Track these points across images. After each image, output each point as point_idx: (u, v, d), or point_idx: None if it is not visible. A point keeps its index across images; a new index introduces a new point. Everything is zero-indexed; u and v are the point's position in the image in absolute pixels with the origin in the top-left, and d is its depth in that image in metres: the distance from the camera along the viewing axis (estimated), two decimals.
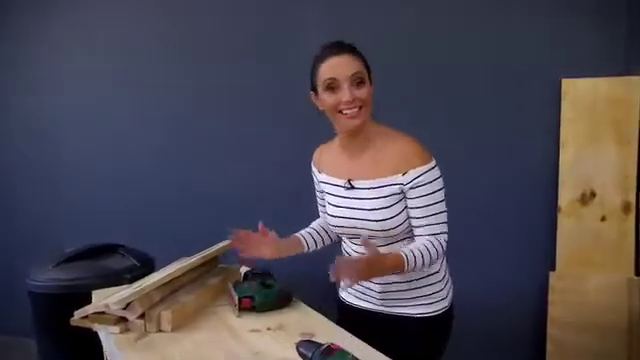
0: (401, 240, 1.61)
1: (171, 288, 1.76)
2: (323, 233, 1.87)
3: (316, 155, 1.81)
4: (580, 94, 2.42)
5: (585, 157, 2.42)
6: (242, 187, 2.91)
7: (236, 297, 1.71)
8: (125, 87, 3.04)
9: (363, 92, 1.53)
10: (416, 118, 2.56)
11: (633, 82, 2.34)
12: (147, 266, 2.23)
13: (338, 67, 1.52)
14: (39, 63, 3.14)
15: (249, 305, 1.71)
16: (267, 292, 1.75)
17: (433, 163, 1.55)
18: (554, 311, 2.45)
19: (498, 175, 2.58)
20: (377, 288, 1.67)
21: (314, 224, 1.91)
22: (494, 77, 2.56)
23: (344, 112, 1.54)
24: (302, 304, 1.80)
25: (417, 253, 1.51)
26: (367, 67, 1.57)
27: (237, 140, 2.93)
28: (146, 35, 2.97)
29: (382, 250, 1.56)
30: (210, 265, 2.00)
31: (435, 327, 1.67)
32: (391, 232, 1.58)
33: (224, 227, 1.78)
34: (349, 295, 1.81)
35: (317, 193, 1.86)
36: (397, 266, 1.49)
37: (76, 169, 3.12)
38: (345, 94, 1.51)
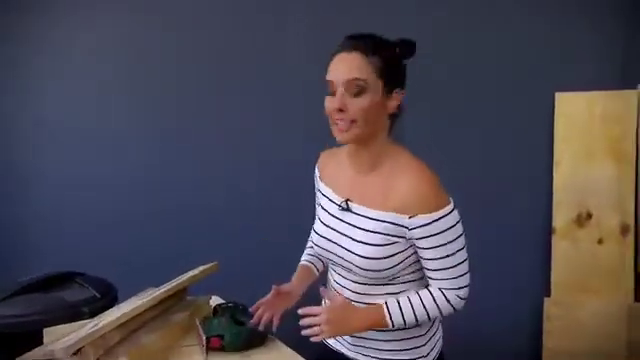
0: (383, 284, 1.39)
1: (131, 327, 1.56)
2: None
3: (323, 158, 1.58)
4: (574, 109, 2.32)
5: (580, 176, 2.32)
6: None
7: (203, 336, 1.54)
8: (108, 100, 2.84)
9: (357, 103, 1.27)
10: (403, 131, 2.43)
11: (630, 96, 2.24)
12: (108, 297, 2.01)
13: (338, 68, 1.29)
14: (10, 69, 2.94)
15: (218, 345, 1.54)
16: (238, 330, 1.58)
17: (449, 208, 1.29)
18: (549, 339, 2.33)
19: (488, 195, 2.46)
20: None
21: (309, 249, 1.70)
22: (482, 90, 2.44)
23: (336, 122, 1.31)
24: (278, 342, 1.63)
25: (407, 307, 1.34)
26: (386, 71, 1.29)
27: (220, 156, 2.76)
28: (129, 47, 2.80)
29: (359, 288, 1.40)
30: (177, 297, 1.81)
31: None
32: (374, 274, 1.35)
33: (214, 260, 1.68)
34: None
35: (316, 201, 1.62)
36: (377, 319, 1.34)
37: (56, 183, 2.90)
38: (335, 101, 1.29)
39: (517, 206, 2.43)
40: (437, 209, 1.27)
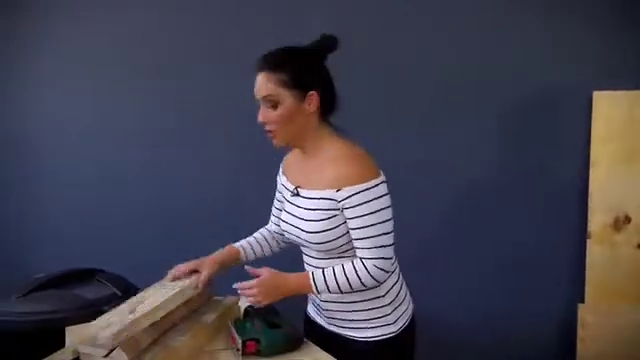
0: (337, 257, 1.55)
1: (161, 328, 1.49)
2: (264, 243, 1.83)
3: (288, 155, 1.77)
4: (613, 108, 2.24)
5: (618, 178, 2.24)
6: (225, 207, 2.68)
7: (239, 340, 1.47)
8: (106, 100, 2.77)
9: (272, 115, 1.51)
10: (434, 134, 2.37)
11: None
12: (128, 295, 1.91)
13: (257, 86, 1.52)
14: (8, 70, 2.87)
15: (254, 349, 1.49)
16: (275, 334, 1.52)
17: (374, 182, 1.47)
18: (583, 348, 2.25)
19: (522, 197, 2.40)
20: (322, 304, 1.64)
21: (257, 233, 1.87)
22: (518, 89, 2.38)
23: (264, 131, 1.56)
24: (314, 347, 1.58)
25: (330, 275, 1.51)
26: (291, 82, 1.49)
27: (227, 156, 2.69)
28: (118, 54, 2.72)
29: (322, 263, 1.57)
30: (203, 296, 1.73)
31: (381, 352, 1.61)
32: (326, 246, 1.53)
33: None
34: (311, 307, 1.77)
35: (276, 193, 1.82)
36: (304, 285, 1.53)
37: (55, 183, 2.83)
38: (259, 115, 1.54)
39: (552, 209, 2.36)
40: (360, 182, 1.45)
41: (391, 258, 1.52)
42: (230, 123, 2.62)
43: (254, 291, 1.50)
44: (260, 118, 1.53)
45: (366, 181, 1.45)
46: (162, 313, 1.46)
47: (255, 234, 1.86)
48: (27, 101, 2.83)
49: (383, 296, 1.58)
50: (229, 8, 2.59)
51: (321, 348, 1.54)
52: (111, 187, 2.77)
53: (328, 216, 1.49)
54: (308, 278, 1.52)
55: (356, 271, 1.49)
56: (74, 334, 1.48)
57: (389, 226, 1.49)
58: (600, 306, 2.23)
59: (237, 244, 1.79)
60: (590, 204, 2.26)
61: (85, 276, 1.99)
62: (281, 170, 1.77)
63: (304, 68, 1.51)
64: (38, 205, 2.86)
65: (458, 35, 2.40)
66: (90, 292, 1.89)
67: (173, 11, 2.63)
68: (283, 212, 1.66)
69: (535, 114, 2.35)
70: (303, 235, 1.55)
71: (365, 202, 1.45)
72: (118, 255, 2.57)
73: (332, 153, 1.53)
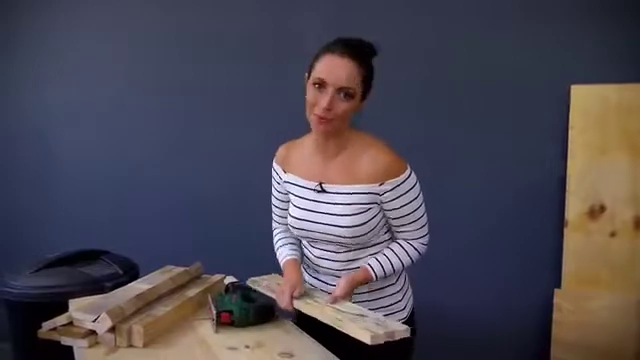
0: (363, 248, 1.58)
1: (147, 299, 1.66)
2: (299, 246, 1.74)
3: (282, 152, 1.70)
4: (590, 101, 2.31)
5: (594, 169, 2.31)
6: (240, 192, 2.83)
7: (214, 311, 1.62)
8: (123, 87, 2.95)
9: (343, 107, 1.44)
10: (417, 127, 2.47)
11: None
12: (130, 274, 2.13)
13: (333, 70, 1.41)
14: (31, 61, 3.05)
15: (228, 320, 1.62)
16: (247, 307, 1.65)
17: (408, 171, 1.51)
18: (558, 331, 2.33)
19: (501, 186, 2.48)
20: None
21: (286, 238, 1.75)
22: (497, 82, 2.47)
23: (316, 113, 1.45)
24: (284, 320, 1.70)
25: (386, 263, 1.54)
26: (368, 80, 1.47)
27: (234, 145, 2.84)
28: (136, 38, 2.88)
29: (344, 256, 1.57)
30: (193, 275, 1.91)
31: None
32: (358, 239, 1.54)
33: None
34: None
35: (277, 195, 1.74)
36: (365, 278, 1.53)
37: (69, 171, 3.03)
38: (324, 99, 1.42)
39: (530, 198, 2.44)
40: (399, 174, 1.48)
41: (429, 232, 1.60)
42: (241, 116, 2.78)
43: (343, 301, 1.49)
44: (327, 105, 1.41)
45: (404, 171, 1.49)
46: (136, 292, 1.61)
47: (286, 239, 1.75)
48: (49, 97, 3.02)
49: (394, 283, 1.62)
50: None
51: (331, 340, 1.46)
52: (128, 179, 2.96)
53: (365, 209, 1.50)
54: (368, 271, 1.53)
55: (407, 253, 1.56)
56: (75, 306, 1.68)
57: (424, 207, 1.55)
58: (575, 292, 2.31)
59: (293, 256, 1.68)
60: (567, 193, 2.34)
61: (92, 256, 2.21)
62: (279, 169, 1.69)
63: (372, 68, 1.49)
64: (61, 197, 3.07)
65: (435, 24, 2.51)
66: (95, 270, 2.11)
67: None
68: (299, 210, 1.61)
69: (515, 106, 2.43)
70: (336, 231, 1.52)
71: (406, 192, 1.49)
72: (132, 239, 2.77)
73: (358, 146, 1.53)
